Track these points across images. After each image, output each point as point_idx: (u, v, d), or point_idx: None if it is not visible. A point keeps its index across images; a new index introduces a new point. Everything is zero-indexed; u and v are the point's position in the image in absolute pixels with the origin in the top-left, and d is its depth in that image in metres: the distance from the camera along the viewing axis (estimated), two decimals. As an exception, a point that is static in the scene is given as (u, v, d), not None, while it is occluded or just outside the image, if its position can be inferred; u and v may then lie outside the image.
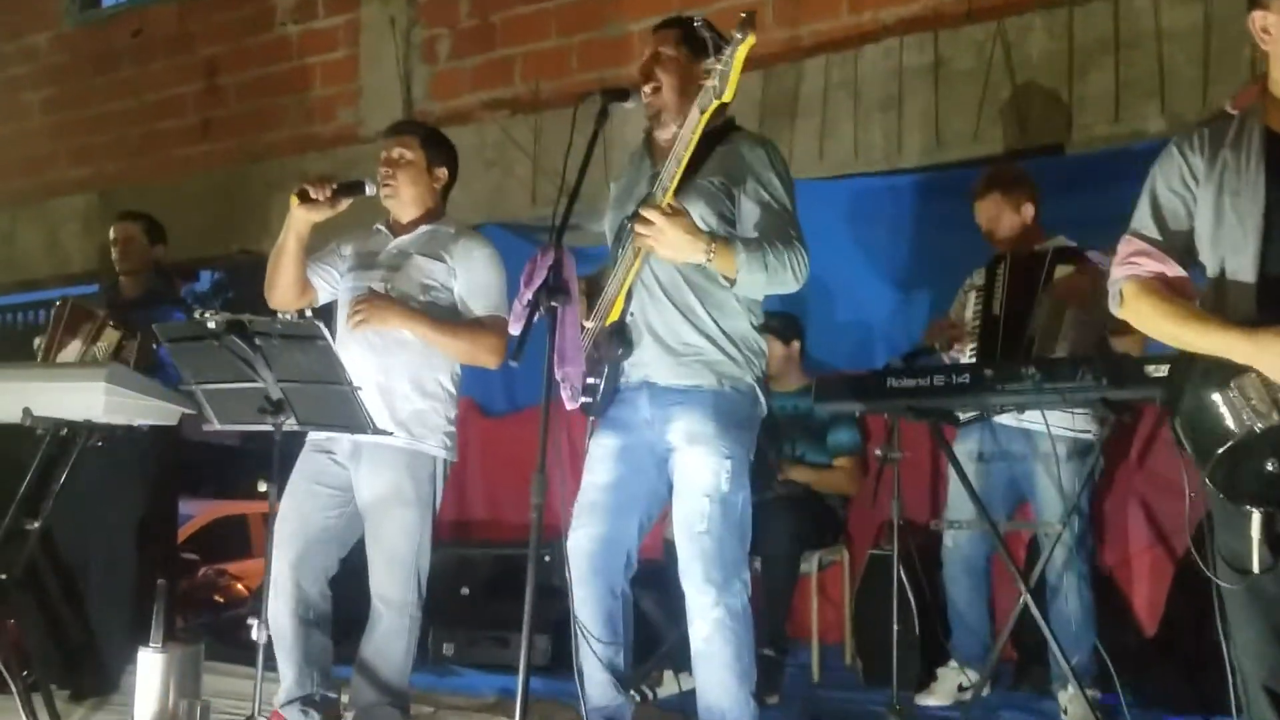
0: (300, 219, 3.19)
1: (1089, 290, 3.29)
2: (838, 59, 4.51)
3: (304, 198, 3.16)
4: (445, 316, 3.23)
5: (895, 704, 3.17)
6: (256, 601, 5.55)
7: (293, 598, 3.15)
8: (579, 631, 2.73)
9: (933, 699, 3.68)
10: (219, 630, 4.88)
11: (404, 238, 3.33)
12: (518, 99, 5.56)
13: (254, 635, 2.83)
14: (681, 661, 3.74)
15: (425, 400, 3.21)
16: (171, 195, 6.64)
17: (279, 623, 3.13)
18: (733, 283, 2.65)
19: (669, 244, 2.58)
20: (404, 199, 3.34)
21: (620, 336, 2.78)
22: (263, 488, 2.92)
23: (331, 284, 3.38)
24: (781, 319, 4.08)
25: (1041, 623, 3.13)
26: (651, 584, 4.16)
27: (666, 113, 2.79)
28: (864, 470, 4.13)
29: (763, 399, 2.84)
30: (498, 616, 4.42)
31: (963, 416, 3.58)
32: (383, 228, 3.40)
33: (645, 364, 2.77)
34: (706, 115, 2.60)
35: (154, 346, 3.63)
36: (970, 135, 4.29)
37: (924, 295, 4.38)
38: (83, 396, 3.02)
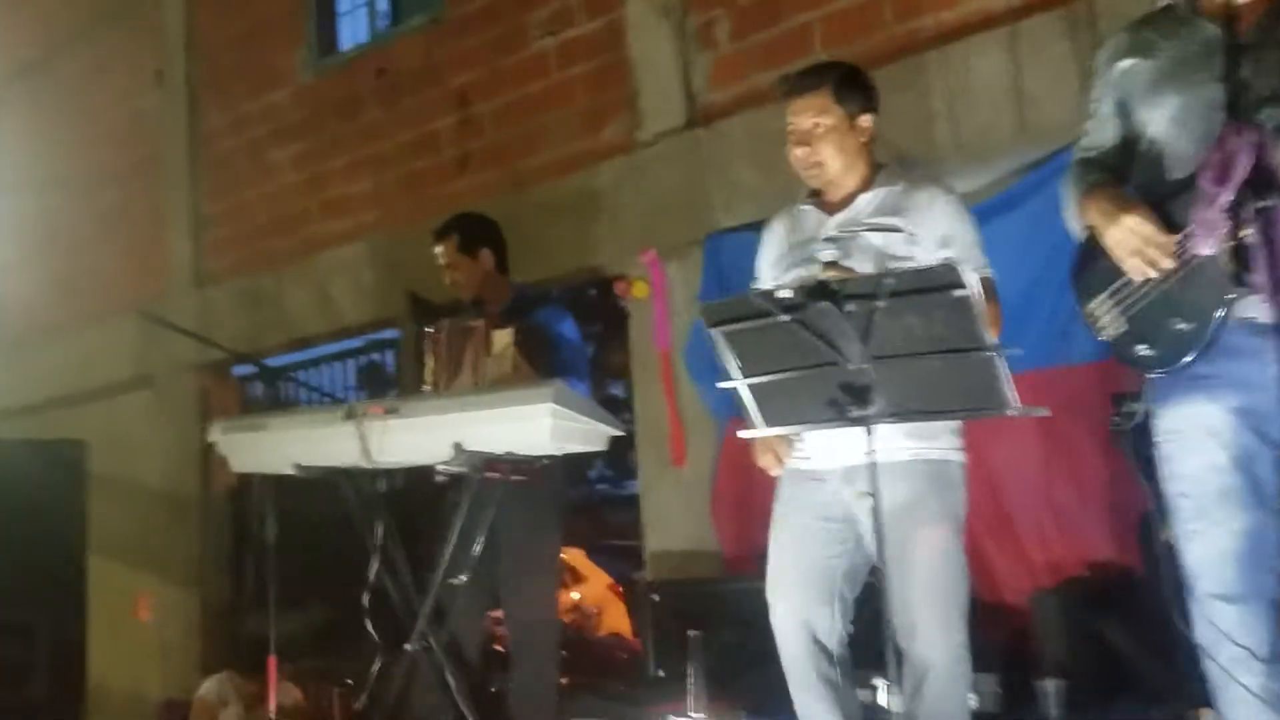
0: None
1: None
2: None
3: None
4: None
5: None
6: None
7: (810, 653, 2.65)
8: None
9: None
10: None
11: (843, 214, 2.75)
12: (818, 71, 4.98)
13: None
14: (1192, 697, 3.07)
15: None
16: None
17: (794, 672, 2.67)
18: None
19: None
20: (833, 172, 2.76)
21: (1239, 258, 2.03)
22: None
23: None
24: None
25: None
26: (1116, 603, 3.50)
27: None
28: None
29: None
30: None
31: None
32: (810, 205, 2.82)
33: None
34: None
35: (553, 350, 3.23)
36: None
37: None
38: (526, 424, 2.56)
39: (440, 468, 2.83)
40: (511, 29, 6.18)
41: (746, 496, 4.85)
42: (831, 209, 2.79)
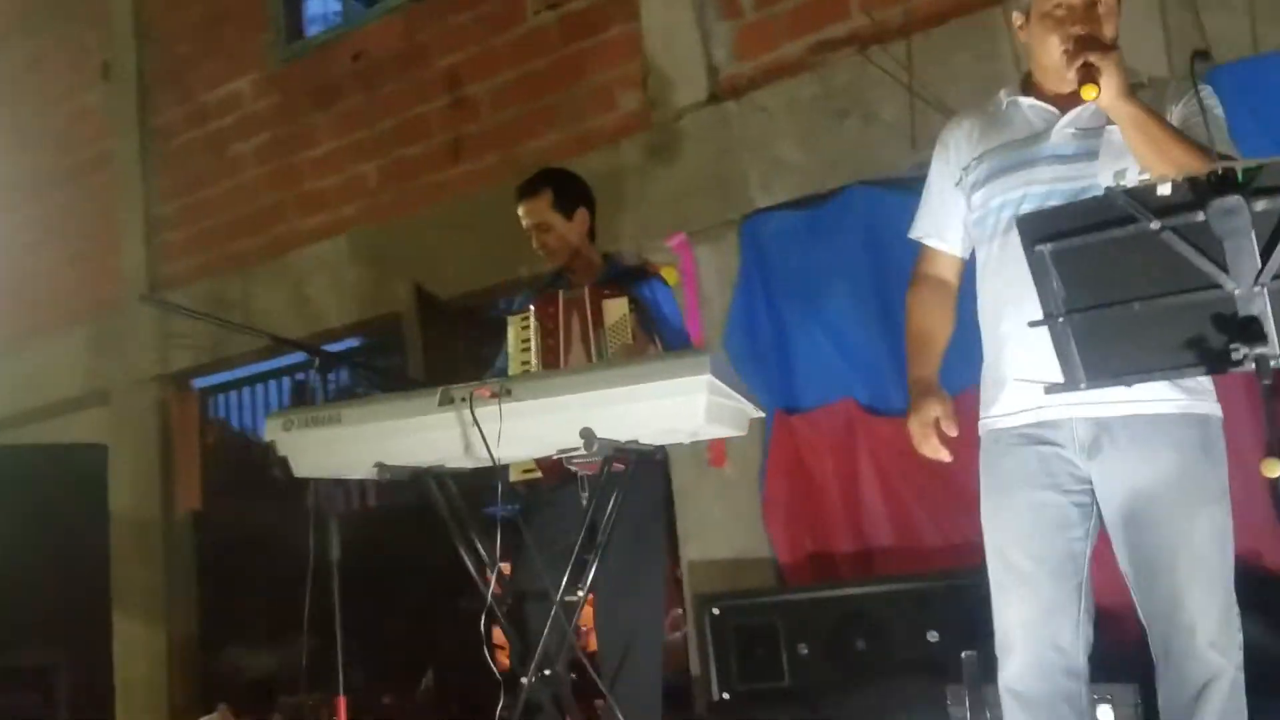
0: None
1: None
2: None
3: None
4: None
5: None
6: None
7: (1051, 669, 2.20)
8: None
9: None
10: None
11: (1079, 109, 2.23)
12: (857, 34, 4.61)
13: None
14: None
15: None
16: (426, 228, 5.87)
17: (1028, 692, 2.20)
18: None
19: None
20: None
21: None
22: (1275, 471, 1.70)
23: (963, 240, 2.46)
24: None
25: None
26: (1253, 598, 3.13)
27: None
28: None
29: None
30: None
31: None
32: (1031, 100, 2.33)
33: None
34: None
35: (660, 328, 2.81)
36: None
37: None
38: (676, 401, 2.07)
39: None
40: (505, 4, 5.74)
41: (802, 496, 4.45)
42: (1061, 104, 2.27)
